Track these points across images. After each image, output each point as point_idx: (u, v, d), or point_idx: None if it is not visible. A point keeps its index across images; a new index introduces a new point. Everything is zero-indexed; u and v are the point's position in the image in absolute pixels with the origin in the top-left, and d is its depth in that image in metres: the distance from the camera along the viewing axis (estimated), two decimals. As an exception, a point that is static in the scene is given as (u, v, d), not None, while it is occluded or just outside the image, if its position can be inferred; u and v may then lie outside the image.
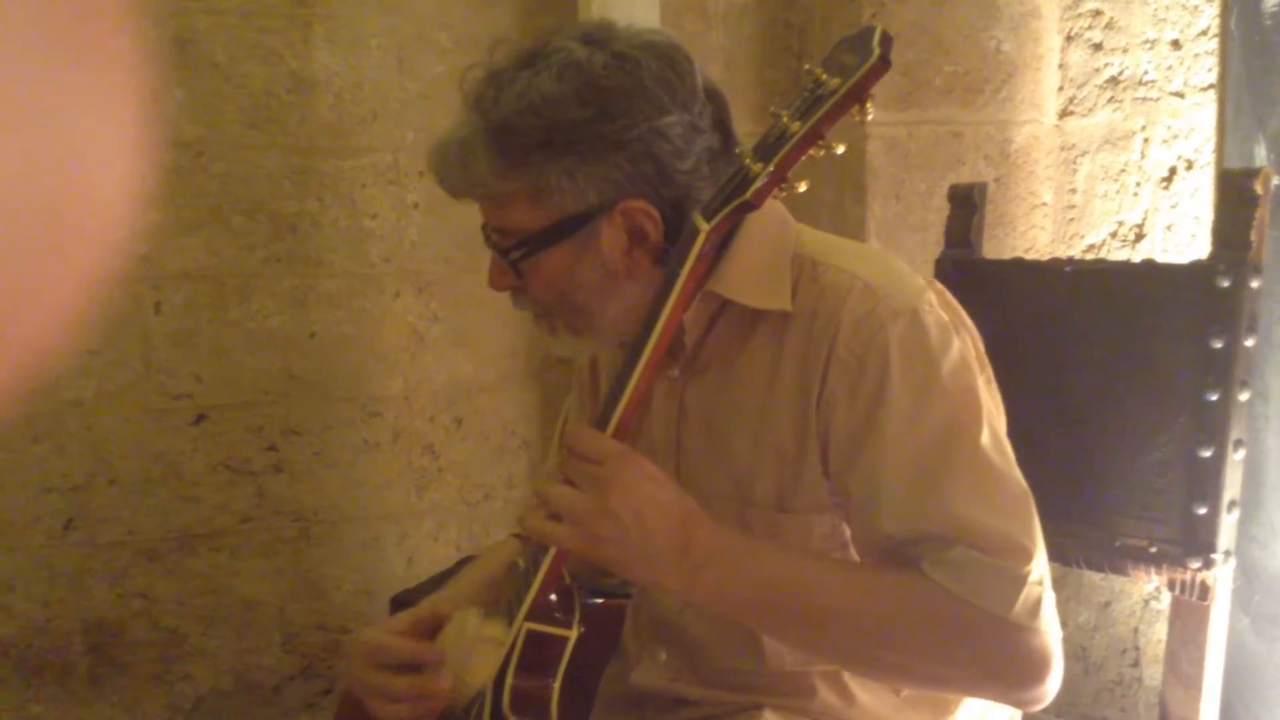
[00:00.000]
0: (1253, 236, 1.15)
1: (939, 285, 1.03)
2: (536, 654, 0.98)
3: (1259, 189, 1.15)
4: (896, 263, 1.03)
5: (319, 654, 2.32)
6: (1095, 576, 1.83)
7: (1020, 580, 0.89)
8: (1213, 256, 1.18)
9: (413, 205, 2.25)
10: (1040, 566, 0.91)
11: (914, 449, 0.91)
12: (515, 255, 1.00)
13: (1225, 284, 1.15)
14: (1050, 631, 0.91)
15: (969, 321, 1.03)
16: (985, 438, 0.92)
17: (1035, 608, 0.89)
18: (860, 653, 0.96)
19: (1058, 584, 1.91)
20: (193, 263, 2.17)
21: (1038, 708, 0.95)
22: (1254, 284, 1.15)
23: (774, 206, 0.96)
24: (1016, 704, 0.99)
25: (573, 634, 1.00)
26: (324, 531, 2.30)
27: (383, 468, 2.32)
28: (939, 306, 0.97)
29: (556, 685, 0.98)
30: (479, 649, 0.97)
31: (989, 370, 1.03)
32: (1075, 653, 1.86)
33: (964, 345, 0.96)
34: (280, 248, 2.21)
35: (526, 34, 2.25)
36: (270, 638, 2.30)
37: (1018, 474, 0.94)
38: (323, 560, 2.31)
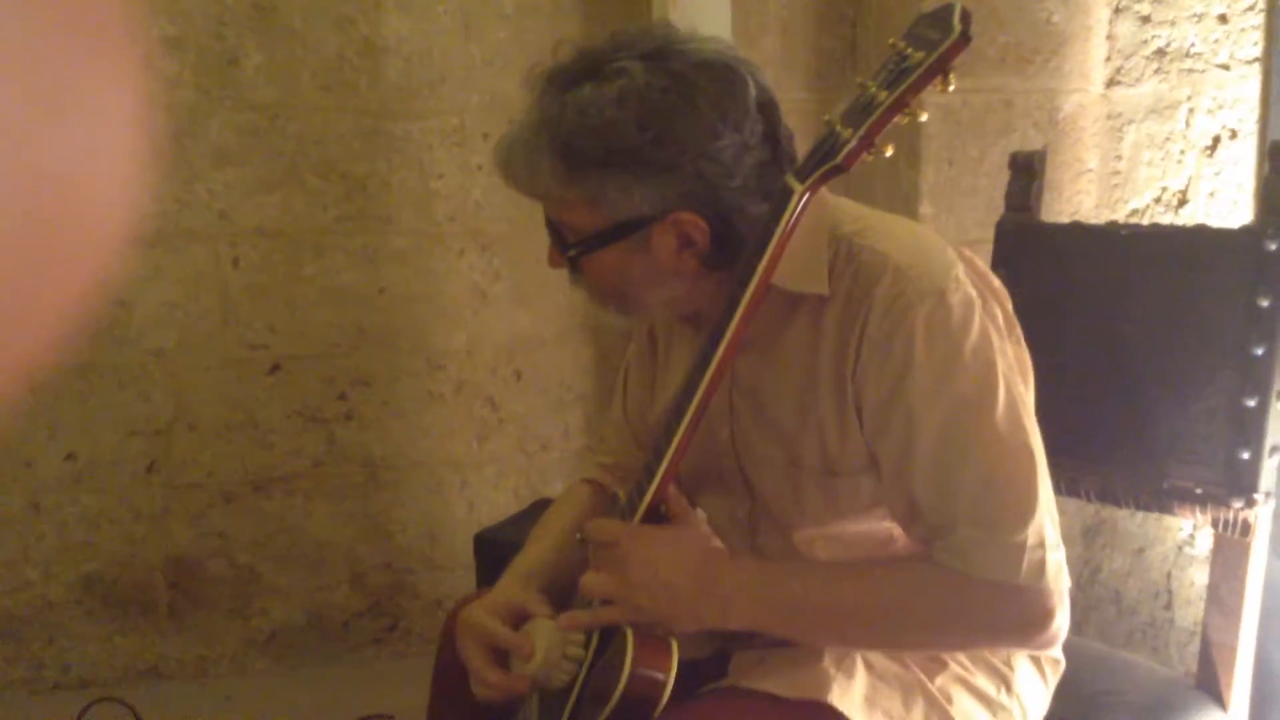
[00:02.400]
0: (1298, 203, 1.24)
1: (968, 254, 1.10)
2: None
3: (1305, 158, 1.23)
4: (928, 238, 1.10)
5: (385, 592, 2.44)
6: (1131, 524, 1.92)
7: (1020, 548, 0.99)
8: (1260, 221, 1.27)
9: (477, 167, 2.33)
10: (1041, 527, 1.01)
11: (937, 421, 1.01)
12: (572, 253, 1.09)
13: (1272, 247, 1.23)
14: (1055, 584, 1.01)
15: (997, 285, 1.11)
16: (1000, 409, 1.00)
17: (1039, 568, 1.00)
18: (885, 639, 1.08)
19: (1093, 533, 2.02)
20: (269, 220, 2.27)
21: (1052, 647, 1.06)
22: (1298, 247, 1.24)
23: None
24: (1031, 649, 1.11)
25: None
26: (390, 477, 2.42)
27: (446, 418, 2.42)
28: (966, 280, 1.04)
29: None
30: (561, 665, 1.09)
31: (1018, 330, 1.11)
32: (1110, 596, 1.96)
33: (988, 318, 1.03)
34: (351, 207, 2.31)
35: (585, 4, 2.33)
36: (340, 576, 2.42)
37: (1025, 436, 1.02)
38: (389, 504, 2.42)
